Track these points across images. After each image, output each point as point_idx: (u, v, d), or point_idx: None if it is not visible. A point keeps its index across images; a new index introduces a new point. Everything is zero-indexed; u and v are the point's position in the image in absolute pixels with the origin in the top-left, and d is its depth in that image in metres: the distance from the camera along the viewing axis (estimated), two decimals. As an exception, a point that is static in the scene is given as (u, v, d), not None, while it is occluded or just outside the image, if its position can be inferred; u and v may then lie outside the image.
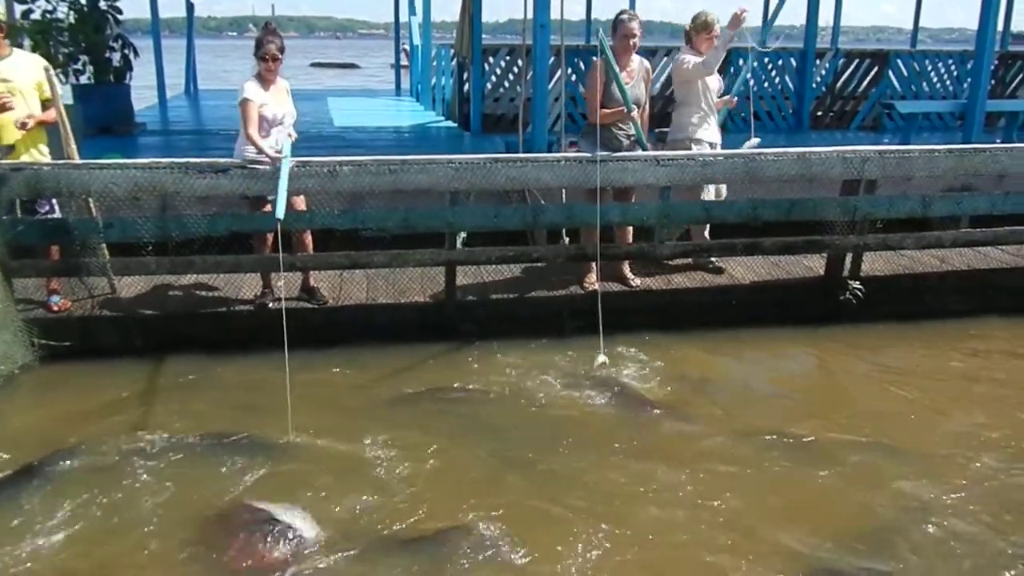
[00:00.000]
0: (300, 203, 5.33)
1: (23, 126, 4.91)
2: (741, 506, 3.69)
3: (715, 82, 6.01)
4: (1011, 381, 5.07)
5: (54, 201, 5.15)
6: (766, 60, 9.88)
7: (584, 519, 3.56)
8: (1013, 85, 11.90)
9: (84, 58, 9.23)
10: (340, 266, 5.55)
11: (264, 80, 5.14)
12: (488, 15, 10.57)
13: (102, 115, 9.05)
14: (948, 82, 11.45)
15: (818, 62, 10.98)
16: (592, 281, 5.86)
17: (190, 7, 15.32)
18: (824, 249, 5.94)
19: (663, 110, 10.30)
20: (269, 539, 3.30)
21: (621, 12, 5.78)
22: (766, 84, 10.51)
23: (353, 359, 5.14)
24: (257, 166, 4.98)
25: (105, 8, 9.28)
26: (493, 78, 10.40)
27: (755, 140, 6.07)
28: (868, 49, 12.26)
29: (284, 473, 3.90)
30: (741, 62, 9.89)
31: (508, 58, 10.39)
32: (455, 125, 10.84)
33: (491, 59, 10.30)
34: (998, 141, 8.67)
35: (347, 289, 5.73)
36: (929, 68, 11.38)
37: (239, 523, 3.42)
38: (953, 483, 3.89)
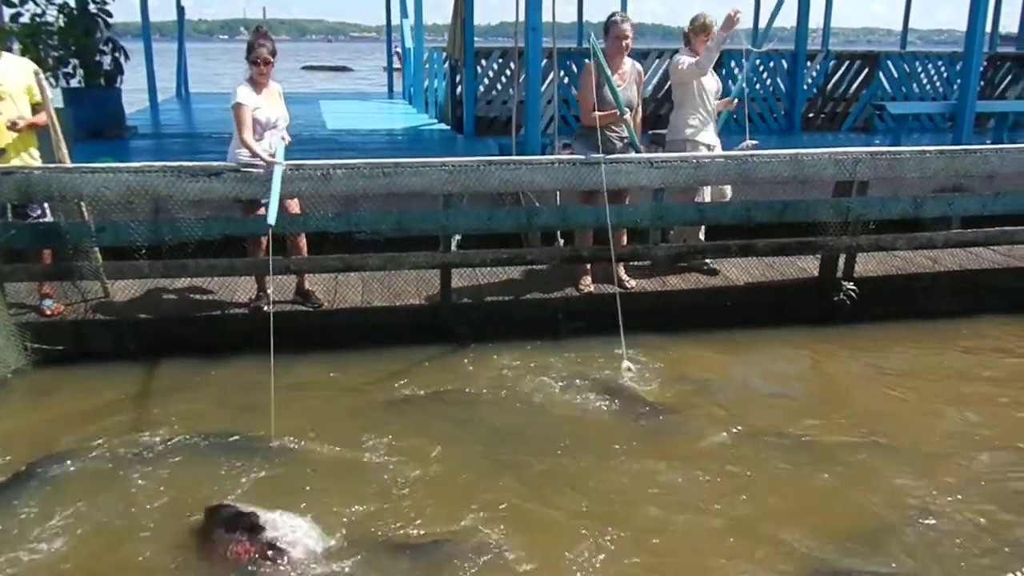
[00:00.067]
0: (294, 206, 5.33)
1: (13, 126, 4.89)
2: (741, 507, 3.69)
3: (713, 84, 6.02)
4: (1005, 380, 5.10)
5: (46, 205, 5.13)
6: (757, 62, 9.91)
7: (584, 521, 3.56)
8: (1002, 86, 11.98)
9: (74, 61, 9.21)
10: (335, 269, 5.54)
11: (256, 84, 5.13)
12: (480, 18, 10.60)
13: (93, 119, 9.01)
14: (938, 83, 11.53)
15: (809, 64, 11.03)
16: (588, 283, 5.87)
17: (180, 10, 15.29)
18: (817, 250, 5.96)
19: (655, 112, 10.39)
20: (258, 547, 3.26)
21: (613, 14, 5.81)
22: (757, 86, 10.56)
23: (349, 362, 5.12)
24: (250, 170, 4.97)
25: (95, 11, 9.26)
26: (486, 81, 10.41)
27: (751, 142, 6.09)
28: (859, 51, 12.33)
29: (279, 476, 3.89)
30: (733, 64, 9.95)
31: (500, 61, 10.40)
32: (448, 128, 10.84)
33: (483, 62, 10.31)
34: (988, 142, 8.74)
35: (342, 292, 5.72)
36: (919, 69, 11.45)
37: (227, 528, 3.38)
38: (950, 482, 3.91)
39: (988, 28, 10.93)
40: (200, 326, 5.34)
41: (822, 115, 11.47)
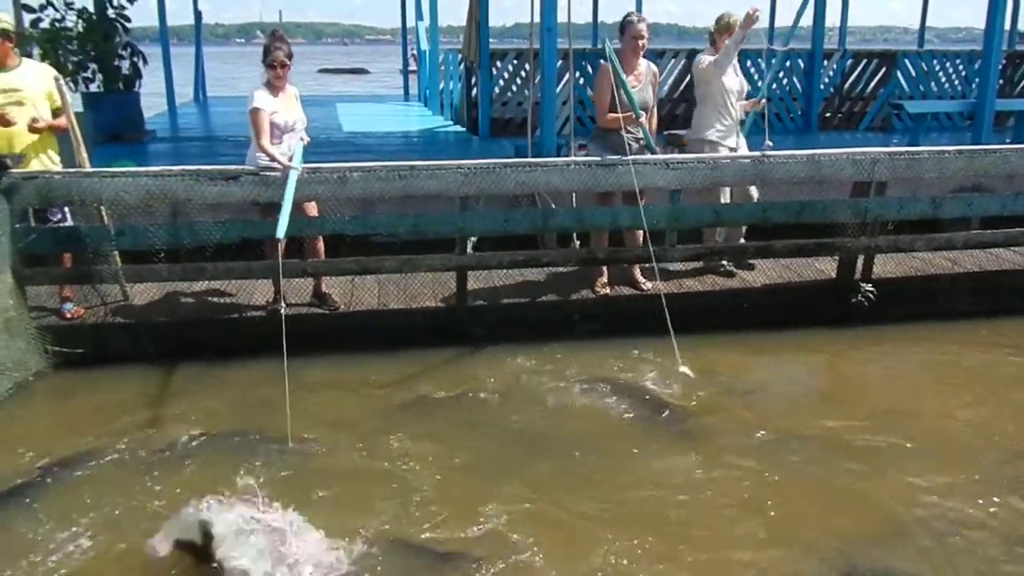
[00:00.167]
0: (312, 209, 5.36)
1: (34, 121, 4.94)
2: (763, 508, 3.68)
3: (736, 83, 5.97)
4: (1025, 382, 5.05)
5: (66, 209, 5.18)
6: (773, 62, 9.86)
7: (604, 524, 3.55)
8: (1022, 84, 11.85)
9: (93, 66, 9.28)
10: (351, 272, 5.56)
11: (273, 87, 5.16)
12: (495, 19, 10.60)
13: (112, 123, 9.10)
14: (956, 82, 11.42)
15: (826, 63, 10.96)
16: (603, 285, 5.86)
17: (198, 15, 15.40)
18: (835, 251, 5.92)
19: (671, 112, 10.36)
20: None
21: (629, 14, 5.80)
22: (774, 86, 10.49)
23: (365, 364, 5.14)
24: (268, 173, 5.00)
25: (114, 16, 9.34)
26: (501, 82, 10.41)
27: (768, 143, 6.05)
28: (876, 49, 12.23)
29: (296, 477, 3.90)
30: (748, 63, 9.90)
31: (516, 62, 10.40)
32: (463, 129, 10.86)
33: (499, 63, 10.31)
34: (1008, 141, 8.65)
35: (358, 295, 5.74)
36: (937, 68, 11.35)
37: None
38: (970, 483, 3.88)
39: (1007, 26, 10.82)
40: (218, 329, 5.38)
41: (839, 114, 11.39)
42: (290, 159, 5.02)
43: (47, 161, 5.15)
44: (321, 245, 5.47)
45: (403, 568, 3.28)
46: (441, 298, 5.67)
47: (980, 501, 3.73)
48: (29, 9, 8.73)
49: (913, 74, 11.23)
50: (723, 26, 5.91)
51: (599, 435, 4.35)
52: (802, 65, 10.52)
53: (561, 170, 5.44)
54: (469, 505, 3.67)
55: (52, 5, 8.92)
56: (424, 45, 14.09)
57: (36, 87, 5.05)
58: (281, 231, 4.66)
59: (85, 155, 5.18)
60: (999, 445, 4.26)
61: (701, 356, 5.32)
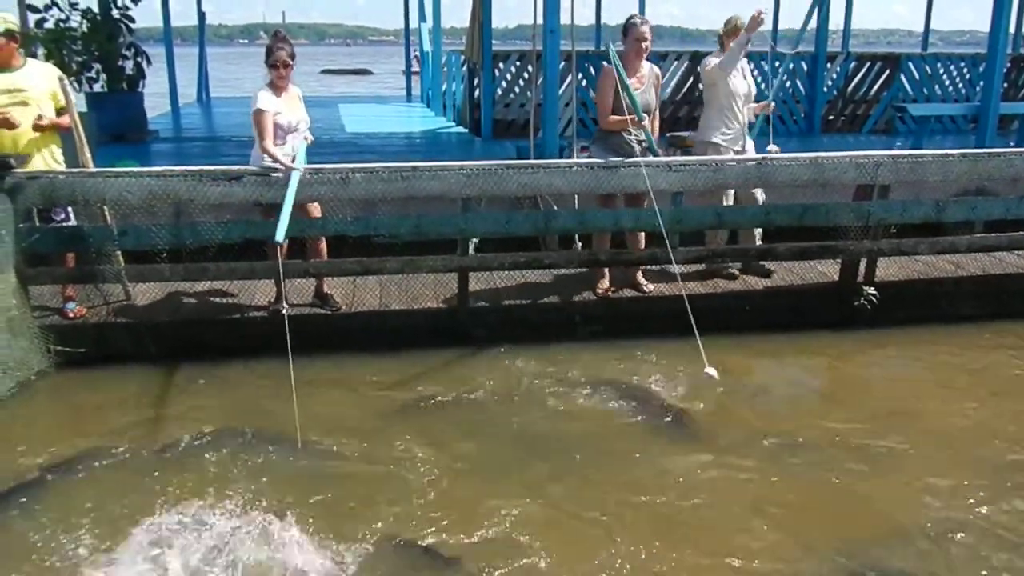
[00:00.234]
0: (315, 210, 5.36)
1: (39, 118, 4.95)
2: (766, 510, 3.67)
3: (743, 86, 5.95)
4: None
5: (70, 209, 5.19)
6: (777, 64, 9.86)
7: (607, 525, 3.55)
8: (1026, 88, 11.83)
9: (97, 66, 9.29)
10: (353, 272, 5.56)
11: (276, 88, 5.16)
12: (498, 21, 10.60)
13: (115, 123, 9.10)
14: (960, 85, 11.40)
15: (829, 66, 10.95)
16: (605, 287, 5.86)
17: (202, 16, 15.42)
18: (838, 254, 5.91)
19: (673, 114, 10.36)
20: None
21: (632, 17, 5.79)
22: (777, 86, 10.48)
23: (366, 365, 5.14)
24: (270, 174, 5.00)
25: (118, 17, 9.34)
26: (504, 83, 10.41)
27: (773, 147, 6.06)
28: (879, 52, 12.23)
29: (297, 479, 3.91)
30: (751, 65, 9.88)
31: (518, 64, 10.40)
32: (466, 131, 10.86)
33: (501, 65, 10.31)
34: (1012, 144, 8.63)
35: (360, 295, 5.75)
36: (941, 71, 11.33)
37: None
38: (975, 484, 3.87)
39: (1012, 29, 10.80)
40: (219, 329, 5.38)
41: (842, 117, 11.38)
42: (293, 160, 5.02)
43: (51, 161, 5.16)
44: (323, 246, 5.48)
45: (405, 570, 3.28)
46: (443, 299, 5.67)
47: (982, 503, 3.73)
48: (34, 9, 8.74)
49: (917, 77, 11.21)
50: (730, 28, 5.91)
51: (601, 436, 4.34)
52: (805, 68, 10.51)
53: (563, 172, 5.44)
54: (471, 507, 3.67)
55: (57, 5, 8.93)
56: (427, 46, 14.10)
57: (40, 87, 5.06)
58: (281, 234, 4.66)
59: (88, 155, 5.19)
60: (1001, 447, 4.26)
61: (701, 360, 5.31)
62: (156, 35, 14.85)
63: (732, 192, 5.98)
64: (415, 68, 17.26)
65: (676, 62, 10.66)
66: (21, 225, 4.95)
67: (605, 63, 5.61)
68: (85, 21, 9.16)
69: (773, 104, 6.37)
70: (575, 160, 5.89)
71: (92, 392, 4.82)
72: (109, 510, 3.60)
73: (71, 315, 5.28)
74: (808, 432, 4.40)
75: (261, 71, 5.29)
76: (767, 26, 5.90)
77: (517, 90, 10.48)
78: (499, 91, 10.32)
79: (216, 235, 5.08)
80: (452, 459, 4.07)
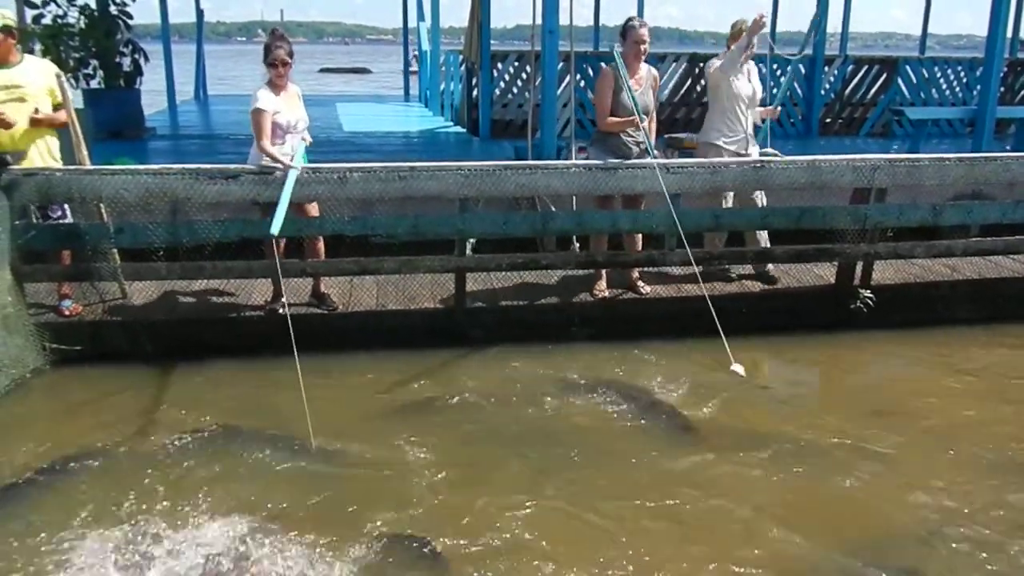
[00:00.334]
0: (313, 209, 5.35)
1: (35, 111, 4.94)
2: (764, 509, 3.68)
3: (747, 89, 5.93)
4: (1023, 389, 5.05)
5: (66, 206, 5.18)
6: (775, 67, 9.87)
7: (605, 526, 3.55)
8: (1023, 92, 11.87)
9: (94, 63, 9.28)
10: (350, 272, 5.56)
11: (275, 86, 5.15)
12: (497, 21, 10.60)
13: (113, 119, 9.09)
14: (957, 89, 11.44)
15: (827, 69, 10.97)
16: (602, 288, 5.86)
17: (200, 13, 15.40)
18: (835, 257, 5.92)
19: (671, 116, 10.37)
20: None
21: (631, 19, 5.79)
22: (775, 90, 10.49)
23: (363, 364, 5.14)
24: (267, 173, 4.99)
25: (116, 13, 9.33)
26: (502, 84, 10.42)
27: (769, 150, 6.07)
28: (877, 56, 12.25)
29: (294, 479, 3.90)
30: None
31: (517, 64, 10.41)
32: (464, 131, 10.86)
33: (500, 65, 10.32)
34: (1008, 148, 8.66)
35: (357, 295, 5.74)
36: (938, 75, 11.37)
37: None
38: (973, 485, 3.90)
39: (1009, 33, 10.83)
40: (216, 328, 5.37)
41: (840, 120, 11.41)
42: (291, 159, 5.02)
43: (48, 157, 5.14)
44: (321, 245, 5.47)
45: (404, 571, 3.27)
46: (440, 299, 5.67)
47: (980, 504, 3.75)
48: (31, 5, 8.73)
49: (914, 80, 11.25)
50: (735, 32, 5.92)
51: (600, 437, 4.35)
52: (803, 70, 10.53)
53: (561, 173, 5.44)
54: (468, 507, 3.67)
55: (54, 1, 8.93)
56: (425, 46, 14.10)
57: (38, 83, 5.04)
58: (276, 227, 4.65)
59: (85, 153, 5.18)
60: (998, 449, 4.28)
61: (699, 360, 5.32)
62: (154, 32, 14.86)
63: (731, 195, 5.99)
64: (413, 67, 17.25)
65: (674, 64, 10.68)
66: (17, 222, 4.93)
67: (604, 64, 5.61)
68: (83, 17, 9.14)
69: (779, 108, 6.36)
70: (573, 161, 5.89)
71: (88, 390, 4.81)
72: (105, 509, 3.59)
73: (67, 313, 5.27)
74: (806, 433, 4.41)
75: (259, 69, 5.28)
76: (766, 29, 5.89)
77: (515, 90, 10.50)
78: (497, 91, 10.33)
79: (213, 233, 5.07)
80: (450, 460, 4.07)
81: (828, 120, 11.28)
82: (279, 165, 4.98)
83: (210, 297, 5.67)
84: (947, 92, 11.40)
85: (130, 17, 9.46)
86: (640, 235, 5.89)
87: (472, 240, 5.54)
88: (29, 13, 8.74)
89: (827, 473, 4.02)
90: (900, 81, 11.21)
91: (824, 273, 6.18)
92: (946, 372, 5.30)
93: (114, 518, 3.53)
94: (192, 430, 4.30)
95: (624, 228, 5.75)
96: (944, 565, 3.37)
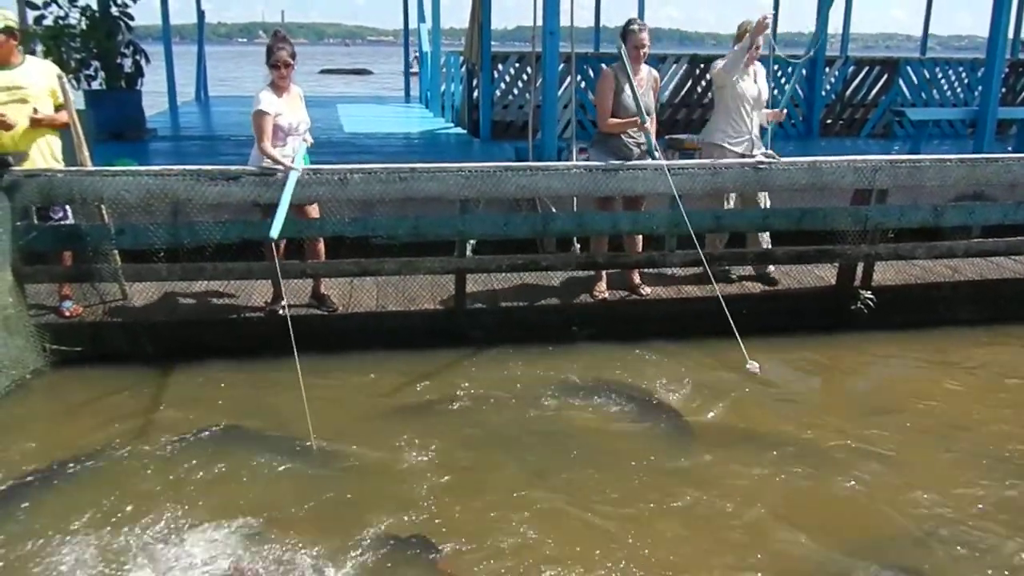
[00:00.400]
0: (314, 211, 5.35)
1: (34, 111, 4.94)
2: (764, 510, 3.68)
3: (753, 90, 5.90)
4: (1024, 391, 5.05)
5: (68, 207, 5.18)
6: (776, 68, 9.87)
7: (604, 527, 3.55)
8: (1024, 93, 11.87)
9: (96, 64, 9.29)
10: (350, 273, 5.56)
11: (278, 88, 5.15)
12: (497, 22, 10.60)
13: (114, 121, 9.10)
14: (959, 89, 11.43)
15: (828, 69, 10.97)
16: (602, 289, 5.85)
17: (200, 14, 15.41)
18: (835, 258, 5.92)
19: (672, 117, 10.37)
20: None
21: (631, 22, 5.77)
22: (776, 92, 10.50)
23: (363, 365, 5.14)
24: (268, 175, 4.99)
25: (117, 14, 9.34)
26: (503, 85, 10.42)
27: (768, 151, 6.05)
28: (878, 57, 12.26)
29: (296, 480, 3.91)
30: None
31: (517, 65, 10.41)
32: (464, 132, 10.86)
33: (500, 66, 10.32)
34: (1009, 149, 8.66)
35: (357, 296, 5.74)
36: (939, 76, 11.37)
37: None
38: (973, 486, 3.89)
39: (1010, 34, 10.84)
40: (217, 329, 5.37)
41: (840, 121, 11.41)
42: (292, 161, 5.02)
43: (50, 159, 5.14)
44: (321, 246, 5.47)
45: (402, 573, 3.27)
46: (440, 301, 5.67)
47: (979, 504, 3.75)
48: (33, 6, 8.73)
49: (915, 81, 11.24)
50: (740, 33, 5.91)
51: (600, 438, 4.35)
52: (804, 71, 10.52)
53: (562, 174, 5.44)
54: (469, 509, 3.67)
55: (56, 2, 8.93)
56: (426, 47, 14.11)
57: (39, 84, 5.04)
58: (275, 231, 4.65)
59: (87, 154, 5.18)
60: (998, 450, 4.28)
61: (699, 361, 5.32)
62: (155, 33, 14.85)
63: (734, 196, 5.98)
64: (414, 69, 17.26)
65: (675, 65, 10.68)
66: (18, 223, 4.93)
67: (604, 66, 5.61)
68: (84, 18, 9.15)
69: (785, 111, 6.35)
70: (574, 163, 5.89)
71: (88, 391, 4.81)
72: (105, 511, 3.59)
73: (67, 314, 5.27)
74: (806, 433, 4.41)
75: (260, 70, 5.28)
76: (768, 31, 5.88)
77: (516, 91, 10.50)
78: (498, 92, 10.33)
79: (214, 235, 5.07)
80: (450, 461, 4.07)
81: (829, 121, 11.28)
82: (280, 167, 4.98)
83: (210, 298, 5.67)
84: (948, 93, 11.40)
85: (131, 18, 9.47)
86: (640, 236, 5.88)
87: (472, 241, 5.55)
88: (31, 14, 8.75)
89: (827, 473, 4.02)
90: (901, 82, 11.21)
91: (825, 274, 6.18)
92: (946, 373, 5.30)
93: (114, 519, 3.53)
94: (192, 431, 4.30)
95: (624, 229, 5.75)
96: (943, 565, 3.37)
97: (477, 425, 4.49)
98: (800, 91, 10.61)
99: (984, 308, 6.07)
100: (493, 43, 9.93)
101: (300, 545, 3.37)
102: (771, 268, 6.14)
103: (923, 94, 11.25)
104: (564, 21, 6.35)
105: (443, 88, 12.83)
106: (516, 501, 3.73)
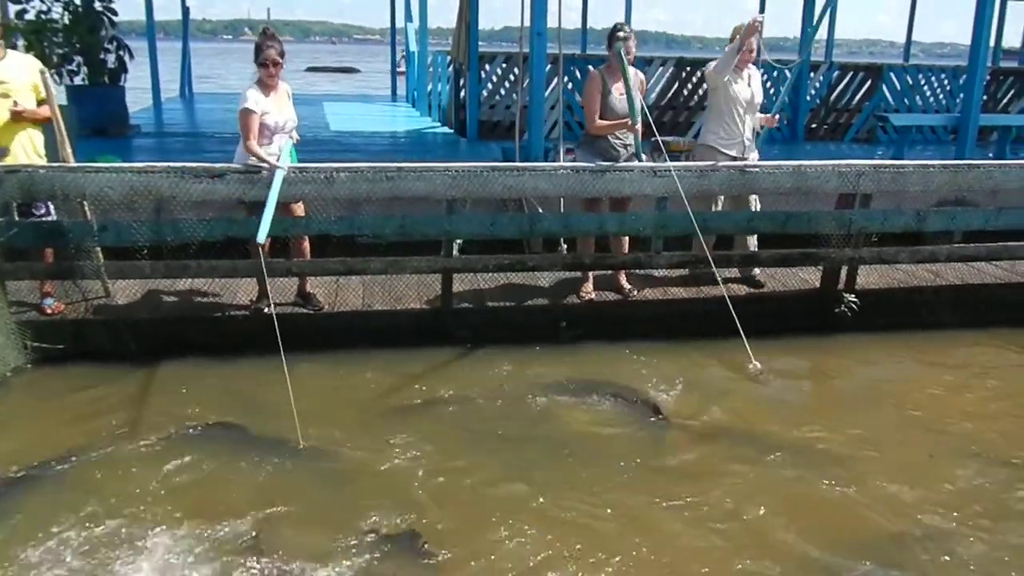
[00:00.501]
0: (299, 209, 5.33)
1: (15, 104, 4.88)
2: (748, 513, 3.69)
3: (746, 93, 5.91)
4: (1005, 394, 5.09)
5: (50, 204, 5.12)
6: (762, 72, 9.92)
7: (592, 527, 3.56)
8: (1004, 101, 12.01)
9: (79, 59, 9.21)
10: (336, 272, 5.53)
11: (266, 86, 5.12)
12: (484, 22, 10.60)
13: (96, 116, 9.02)
14: (941, 96, 11.56)
15: (812, 75, 11.06)
16: (589, 290, 5.86)
17: (185, 10, 15.31)
18: (820, 262, 5.96)
19: (658, 120, 10.40)
20: None
21: (617, 29, 5.75)
22: (772, 95, 10.56)
23: (349, 365, 5.12)
24: (253, 172, 4.96)
25: (100, 9, 9.27)
26: (489, 85, 10.43)
27: (754, 155, 6.09)
28: (862, 63, 12.37)
29: (281, 479, 3.88)
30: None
31: (504, 65, 10.42)
32: (451, 131, 10.85)
33: (487, 66, 10.32)
34: (990, 155, 8.76)
35: (343, 295, 5.72)
36: (922, 82, 11.48)
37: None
38: (950, 492, 3.92)
39: (992, 42, 10.96)
40: (201, 327, 5.33)
41: (825, 126, 11.50)
42: (278, 159, 4.99)
43: (32, 154, 5.08)
44: (307, 245, 5.44)
45: (393, 572, 3.25)
46: (426, 300, 5.66)
47: (965, 508, 3.78)
48: (15, 0, 8.64)
49: (898, 87, 11.35)
50: (734, 36, 5.94)
51: (587, 438, 4.35)
52: (791, 75, 10.59)
53: (549, 175, 5.44)
54: (455, 507, 3.66)
55: (38, -4, 8.84)
56: (413, 46, 14.08)
57: (21, 79, 4.98)
58: (262, 235, 4.63)
59: (69, 150, 5.12)
60: (984, 448, 4.33)
61: (686, 362, 5.34)
62: (139, 29, 14.78)
63: (722, 198, 6.00)
64: (401, 68, 17.23)
65: (661, 67, 10.71)
66: (0, 219, 4.88)
67: (591, 67, 5.62)
68: (67, 13, 9.07)
69: (778, 117, 6.37)
70: (561, 164, 5.89)
71: (70, 389, 4.76)
72: (87, 510, 3.55)
73: (49, 311, 5.21)
74: (790, 437, 4.43)
75: (245, 67, 5.26)
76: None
77: (503, 92, 10.50)
78: (485, 92, 10.33)
79: (198, 232, 5.03)
80: (437, 460, 4.05)
81: (814, 125, 11.37)
82: (265, 165, 4.95)
83: (194, 296, 5.63)
84: (931, 99, 11.53)
85: (115, 13, 9.40)
86: (627, 237, 5.90)
87: (459, 241, 5.54)
88: (12, 8, 8.67)
89: (812, 474, 4.04)
90: (885, 88, 11.32)
91: (809, 277, 6.23)
92: (929, 375, 5.35)
93: (97, 519, 3.49)
94: (176, 430, 4.27)
95: (611, 230, 5.76)
96: (933, 563, 3.39)
97: (463, 424, 4.48)
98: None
99: (965, 312, 6.13)
100: (480, 43, 9.93)
101: (288, 545, 3.35)
102: (756, 270, 6.18)
103: (906, 100, 11.37)
104: (551, 22, 6.36)
105: (430, 87, 12.82)
106: (505, 500, 3.73)
